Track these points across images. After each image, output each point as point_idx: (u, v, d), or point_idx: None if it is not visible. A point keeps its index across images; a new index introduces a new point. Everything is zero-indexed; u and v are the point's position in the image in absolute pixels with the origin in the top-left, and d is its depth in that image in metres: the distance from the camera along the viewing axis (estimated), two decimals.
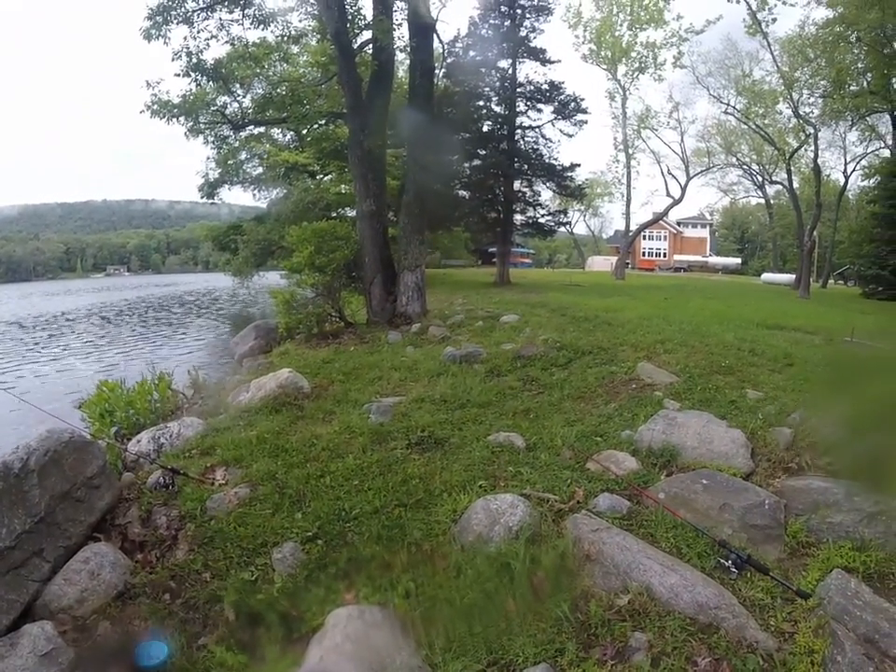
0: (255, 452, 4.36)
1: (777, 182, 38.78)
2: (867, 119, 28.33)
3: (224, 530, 3.36)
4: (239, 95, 13.99)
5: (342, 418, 5.09)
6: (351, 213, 19.24)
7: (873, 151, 32.33)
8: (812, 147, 27.18)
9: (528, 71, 24.52)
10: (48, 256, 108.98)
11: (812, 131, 26.53)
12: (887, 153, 29.12)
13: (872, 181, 29.93)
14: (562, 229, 30.02)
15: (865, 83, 25.33)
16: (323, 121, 19.60)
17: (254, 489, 3.78)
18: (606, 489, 3.51)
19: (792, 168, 30.98)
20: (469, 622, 2.50)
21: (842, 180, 36.34)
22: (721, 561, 2.75)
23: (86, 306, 30.69)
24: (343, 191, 22.68)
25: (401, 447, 4.36)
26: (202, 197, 26.30)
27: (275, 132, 24.82)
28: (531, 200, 22.74)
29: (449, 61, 21.39)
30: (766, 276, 38.70)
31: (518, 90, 21.31)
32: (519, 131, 21.85)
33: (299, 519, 3.43)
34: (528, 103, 21.65)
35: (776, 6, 23.32)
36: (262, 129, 22.49)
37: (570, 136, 22.40)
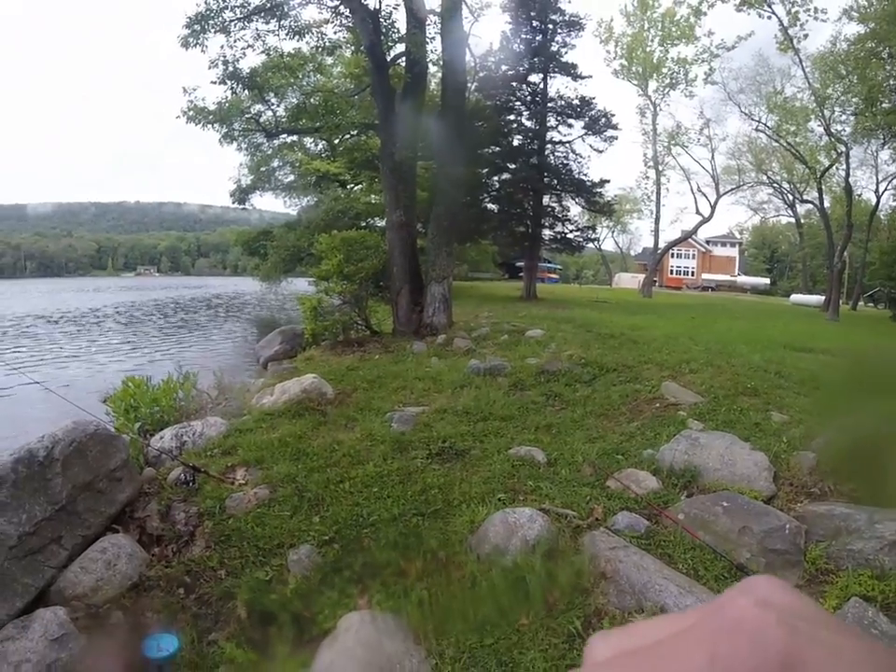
0: (276, 454, 4.41)
1: (807, 201, 37.99)
2: None
3: (241, 529, 3.41)
4: (273, 104, 14.31)
5: (364, 425, 5.14)
6: (380, 223, 19.39)
7: None
8: (844, 166, 26.53)
9: (559, 86, 24.69)
10: (80, 253, 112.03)
11: (844, 149, 25.93)
12: None
13: None
14: (590, 245, 29.86)
15: None
16: (355, 132, 19.92)
17: (273, 490, 3.83)
18: (625, 507, 3.48)
19: (823, 187, 30.34)
20: (481, 633, 2.49)
21: (873, 200, 35.43)
22: None
23: (115, 304, 31.42)
24: (374, 201, 22.93)
25: (422, 457, 4.39)
26: (233, 202, 26.91)
27: (308, 141, 25.24)
28: (560, 215, 22.68)
29: (481, 74, 21.55)
30: (795, 297, 37.91)
31: (549, 104, 21.34)
32: (549, 145, 21.85)
33: (316, 522, 3.47)
34: (559, 117, 21.66)
35: (807, 21, 23.01)
36: (295, 137, 22.95)
37: (600, 152, 22.35)
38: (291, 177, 26.48)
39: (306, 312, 9.95)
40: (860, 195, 34.65)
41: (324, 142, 25.09)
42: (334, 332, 9.73)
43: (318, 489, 3.84)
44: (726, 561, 2.85)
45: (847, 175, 26.35)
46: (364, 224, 19.85)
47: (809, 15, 22.87)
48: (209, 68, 11.33)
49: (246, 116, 14.05)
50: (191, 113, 12.26)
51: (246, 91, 12.77)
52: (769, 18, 23.53)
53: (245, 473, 4.17)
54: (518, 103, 21.87)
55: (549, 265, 49.46)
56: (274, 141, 19.52)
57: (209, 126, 12.69)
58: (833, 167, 28.42)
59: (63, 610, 2.74)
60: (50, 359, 13.41)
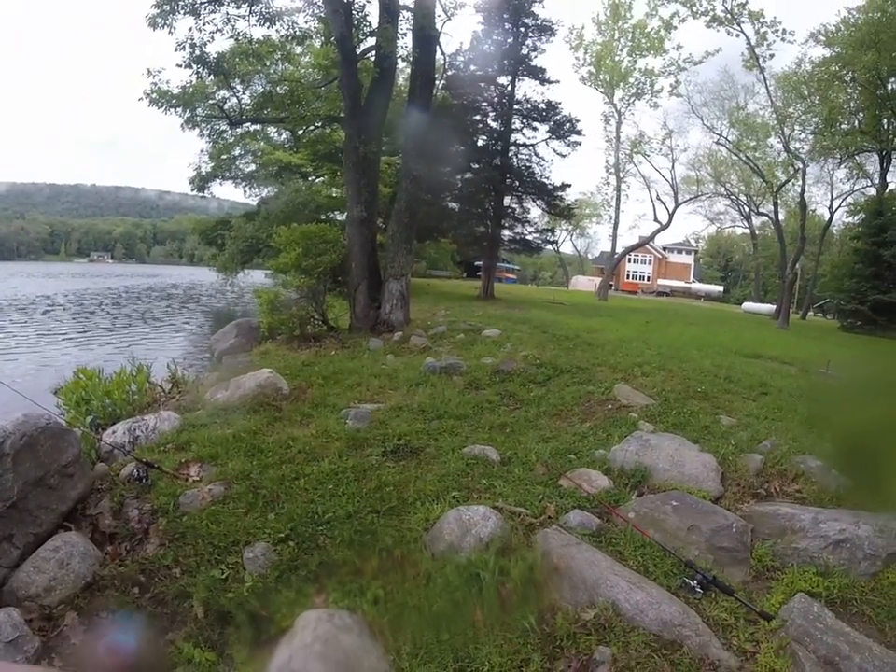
0: (230, 450, 4.34)
1: (763, 214, 39.69)
2: (856, 157, 29.13)
3: (196, 527, 3.35)
4: (239, 91, 14.03)
5: (319, 422, 5.10)
6: (341, 217, 19.22)
7: (859, 189, 33.25)
8: (800, 182, 27.87)
9: (527, 89, 24.92)
10: (32, 236, 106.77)
11: (801, 166, 27.21)
12: (873, 191, 29.85)
13: (856, 218, 30.64)
14: (548, 247, 30.38)
15: (857, 122, 26.13)
16: (320, 124, 19.65)
17: (228, 487, 3.77)
18: (577, 506, 3.56)
19: (779, 201, 31.73)
20: (437, 629, 2.53)
21: (827, 215, 37.32)
22: (687, 581, 2.81)
23: (67, 292, 30.12)
24: (335, 195, 22.72)
25: (377, 454, 4.39)
26: (192, 189, 26.15)
27: (272, 130, 24.83)
28: (520, 216, 22.93)
29: (450, 73, 21.56)
30: (747, 305, 39.50)
31: (515, 107, 21.52)
32: (513, 147, 22.05)
33: (272, 520, 3.43)
34: (524, 120, 21.87)
35: (774, 42, 24.06)
36: (259, 126, 22.51)
37: (563, 156, 22.68)
38: (253, 167, 25.96)
39: (263, 305, 9.82)
40: (814, 210, 36.59)
41: (288, 132, 24.71)
42: (291, 327, 9.61)
43: (273, 486, 3.79)
44: (675, 558, 2.96)
45: (803, 190, 27.78)
46: (324, 217, 19.64)
47: (777, 36, 24.02)
48: (175, 50, 10.99)
49: (211, 102, 13.75)
50: (154, 96, 11.91)
51: (212, 77, 12.46)
52: (737, 36, 24.54)
53: (199, 469, 4.08)
54: (485, 103, 21.99)
55: (507, 265, 49.98)
56: (238, 129, 19.12)
57: (172, 110, 12.35)
58: (790, 182, 29.83)
59: (16, 612, 2.65)
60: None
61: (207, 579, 2.97)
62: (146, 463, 3.87)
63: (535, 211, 24.97)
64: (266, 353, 8.78)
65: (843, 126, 25.77)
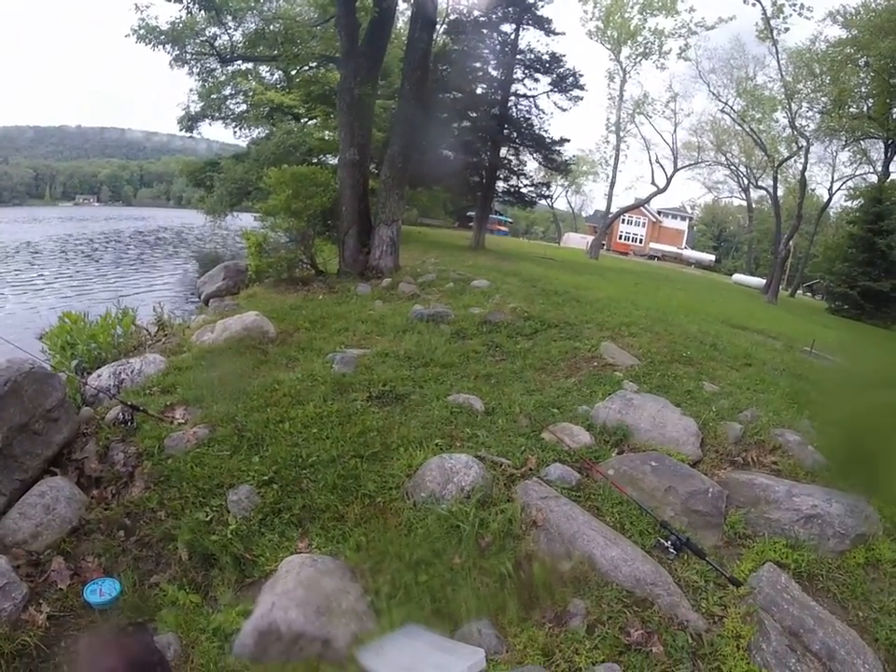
0: (216, 393, 4.32)
1: (761, 187, 39.25)
2: (861, 142, 28.70)
3: (181, 469, 3.37)
4: (230, 28, 13.35)
5: (305, 366, 5.09)
6: (333, 160, 18.69)
7: (861, 174, 32.84)
8: (802, 160, 27.38)
9: (531, 39, 24.25)
10: (15, 181, 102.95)
11: (805, 143, 26.73)
12: (874, 179, 29.51)
13: (855, 203, 30.36)
14: (543, 201, 29.95)
15: (866, 107, 25.56)
16: (314, 64, 18.91)
17: (213, 430, 3.78)
18: (558, 459, 3.61)
19: (779, 176, 31.32)
20: (416, 572, 2.60)
21: (826, 196, 36.98)
22: (661, 541, 2.89)
23: (53, 237, 29.24)
24: (327, 138, 21.99)
25: (362, 399, 4.39)
26: (180, 129, 25.14)
27: (263, 69, 23.74)
28: (516, 168, 22.50)
29: (452, 17, 20.73)
30: (737, 277, 39.53)
31: (518, 56, 20.79)
32: (513, 98, 21.43)
33: (256, 462, 3.45)
34: (526, 71, 21.19)
35: (790, 15, 23.16)
36: (250, 65, 21.56)
37: (564, 110, 22.13)
38: (243, 107, 24.93)
39: (251, 248, 9.68)
40: (813, 189, 36.25)
41: (280, 72, 23.71)
42: (279, 270, 9.52)
43: (258, 429, 3.80)
44: (651, 517, 3.02)
45: (804, 168, 27.32)
46: (316, 160, 19.09)
47: (794, 10, 23.09)
48: None
49: (201, 38, 13.09)
50: (142, 32, 11.34)
51: (203, 12, 11.83)
52: (753, 5, 23.56)
53: (185, 412, 4.08)
54: (486, 51, 21.25)
55: (499, 217, 49.42)
56: (228, 67, 18.28)
57: (160, 47, 11.78)
58: (792, 159, 29.39)
59: (3, 559, 2.67)
60: None
61: (192, 521, 3.00)
62: (131, 406, 3.86)
63: (531, 164, 24.54)
64: (253, 296, 8.71)
65: (851, 109, 25.22)
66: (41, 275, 15.89)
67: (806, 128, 26.84)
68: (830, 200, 36.43)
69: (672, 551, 2.84)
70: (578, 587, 2.58)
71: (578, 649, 2.28)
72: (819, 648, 2.34)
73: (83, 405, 4.27)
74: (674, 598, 2.53)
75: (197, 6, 10.99)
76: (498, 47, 21.06)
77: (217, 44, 13.26)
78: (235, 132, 26.22)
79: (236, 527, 2.96)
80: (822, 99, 25.50)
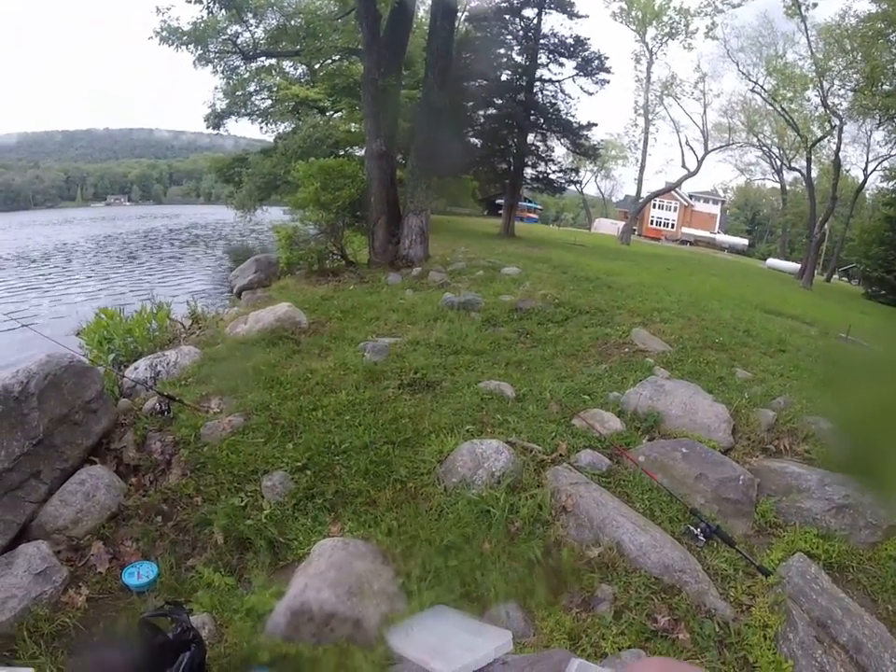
0: (250, 383, 4.42)
1: (795, 169, 37.79)
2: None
3: (216, 457, 3.45)
4: (252, 25, 13.51)
5: (337, 355, 5.16)
6: (360, 152, 18.73)
7: None
8: (835, 140, 26.34)
9: (554, 23, 23.73)
10: (47, 184, 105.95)
11: (838, 123, 25.71)
12: None
13: (891, 184, 29.10)
14: (572, 187, 29.61)
15: None
16: (337, 57, 18.95)
17: (247, 418, 3.87)
18: (588, 446, 3.60)
19: (813, 157, 30.19)
20: (446, 556, 2.63)
21: (861, 178, 35.38)
22: (691, 528, 2.86)
23: (86, 237, 29.99)
24: (353, 130, 22.06)
25: (394, 387, 4.44)
26: (207, 127, 25.54)
27: (287, 65, 23.95)
28: (544, 154, 22.28)
29: (473, 3, 20.55)
30: (771, 262, 38.47)
31: (541, 41, 20.51)
32: (538, 83, 21.18)
33: (289, 449, 3.52)
34: (551, 56, 20.89)
35: None
36: (274, 61, 21.76)
37: (590, 94, 21.85)
38: (268, 102, 25.17)
39: (281, 240, 9.80)
40: (848, 171, 34.75)
41: (304, 66, 23.84)
42: (309, 262, 9.65)
43: (291, 417, 3.87)
44: (681, 504, 3.00)
45: (838, 149, 26.28)
46: (343, 153, 19.20)
47: None
48: None
49: (223, 37, 13.25)
50: (164, 34, 11.55)
51: (223, 11, 11.99)
52: None
53: (220, 402, 4.18)
54: (509, 37, 20.98)
55: (529, 204, 48.90)
56: (252, 64, 18.49)
57: (183, 48, 11.98)
58: (825, 139, 28.29)
59: (45, 544, 2.78)
60: (21, 296, 12.91)
61: (227, 507, 3.08)
62: (167, 396, 3.97)
63: (559, 150, 24.42)
64: (285, 287, 8.83)
65: (885, 86, 24.15)
66: (77, 275, 16.33)
67: (839, 106, 25.79)
68: (865, 181, 34.83)
69: (701, 538, 2.81)
70: (606, 573, 2.58)
71: (604, 634, 2.28)
72: (847, 640, 2.28)
73: (121, 397, 4.39)
74: (702, 586, 2.51)
75: (217, 5, 11.16)
76: (521, 32, 20.80)
77: (239, 41, 13.44)
78: (262, 127, 26.54)
79: (270, 512, 3.03)
80: (854, 76, 24.40)
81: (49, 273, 16.59)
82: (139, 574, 2.73)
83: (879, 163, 32.51)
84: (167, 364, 4.94)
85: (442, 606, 2.22)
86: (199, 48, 12.57)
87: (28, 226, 39.79)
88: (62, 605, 2.57)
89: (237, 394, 4.26)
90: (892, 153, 30.78)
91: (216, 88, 23.97)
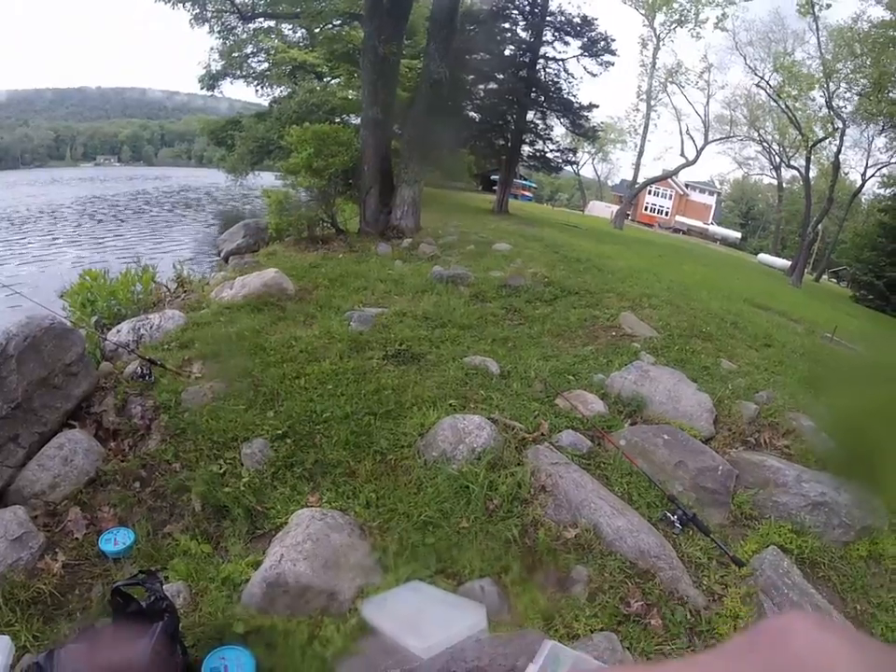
0: (233, 348, 4.37)
1: (793, 167, 37.70)
2: None
3: (197, 422, 3.41)
4: None
5: (322, 323, 5.11)
6: (355, 120, 18.39)
7: None
8: (837, 142, 26.38)
9: (562, 0, 23.13)
10: (36, 143, 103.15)
11: (841, 125, 25.70)
12: None
13: (888, 191, 29.24)
14: (568, 168, 29.42)
15: None
16: (338, 21, 18.48)
17: (229, 384, 3.82)
18: (570, 426, 3.60)
19: (812, 157, 30.16)
20: (424, 532, 2.63)
21: (859, 182, 35.52)
22: (668, 515, 2.89)
23: (73, 198, 29.23)
24: (351, 97, 21.66)
25: (378, 357, 4.40)
26: (202, 88, 25.02)
27: (286, 27, 23.36)
28: (542, 133, 22.11)
29: None
30: (763, 257, 38.70)
31: (548, 18, 20.15)
32: (541, 60, 20.86)
33: (270, 417, 3.48)
34: (556, 34, 20.54)
35: None
36: (272, 23, 21.20)
37: (594, 76, 21.50)
38: (265, 65, 24.61)
39: (271, 205, 9.67)
40: (846, 174, 34.80)
41: (303, 30, 23.26)
42: (299, 228, 9.52)
43: (274, 384, 3.83)
44: (659, 491, 3.02)
45: (839, 151, 26.37)
46: (339, 120, 18.84)
47: None
48: None
49: None
50: None
51: None
52: None
53: (202, 367, 4.12)
54: (515, 11, 20.57)
55: (524, 182, 48.43)
56: (250, 25, 18.03)
57: (180, 5, 11.60)
58: (826, 140, 28.23)
59: (22, 510, 2.72)
60: (3, 259, 12.54)
61: (206, 473, 3.05)
62: (149, 360, 3.91)
63: (558, 129, 24.02)
64: (273, 253, 8.74)
65: (891, 94, 24.11)
66: (62, 236, 15.89)
67: (843, 109, 25.75)
68: (863, 185, 34.97)
69: (678, 525, 2.84)
70: (582, 555, 2.59)
71: (577, 615, 2.29)
72: None
73: (102, 360, 4.33)
74: (676, 573, 2.53)
75: None
76: (528, 7, 20.40)
77: (237, 1, 13.01)
78: (257, 90, 26.04)
79: (249, 480, 3.00)
80: (861, 81, 24.37)
81: (33, 235, 16.18)
82: (116, 541, 2.70)
83: (878, 169, 32.64)
84: (150, 327, 4.86)
85: (418, 581, 2.23)
86: (196, 6, 12.19)
87: (13, 187, 38.68)
88: (38, 571, 2.53)
89: (220, 359, 4.20)
90: (892, 160, 30.93)
91: (212, 48, 23.44)
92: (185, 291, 6.98)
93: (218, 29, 16.85)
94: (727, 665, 0.25)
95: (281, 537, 2.58)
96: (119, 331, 4.90)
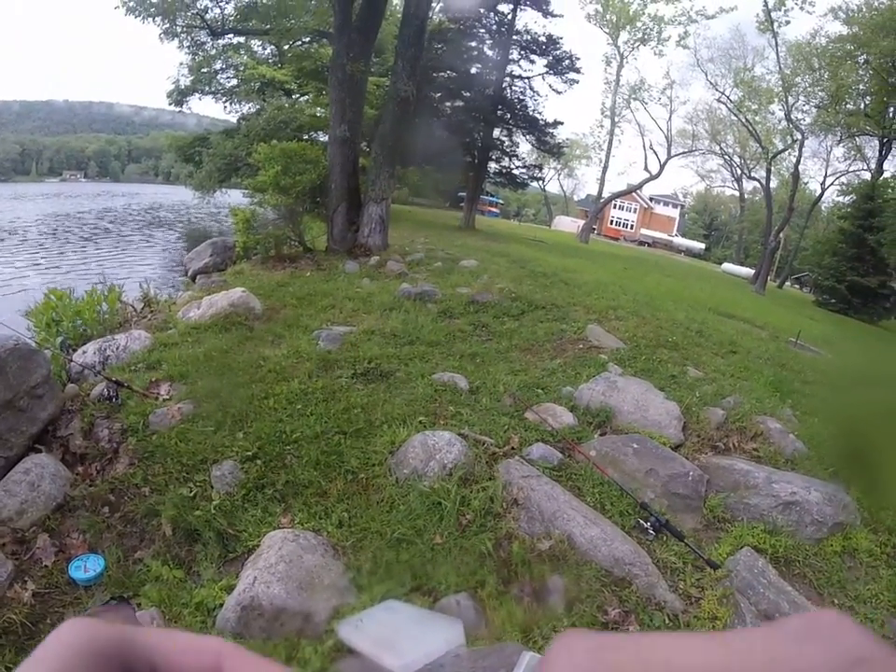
0: (201, 369, 4.32)
1: (754, 178, 39.23)
2: (856, 139, 28.68)
3: (165, 445, 3.36)
4: (222, 0, 13.09)
5: (290, 342, 5.10)
6: (323, 137, 18.41)
7: (854, 171, 32.73)
8: (796, 153, 27.42)
9: (528, 20, 23.80)
10: (1, 157, 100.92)
11: (800, 137, 26.75)
12: (867, 176, 29.49)
13: (847, 199, 30.35)
14: (534, 184, 29.89)
15: (862, 105, 25.55)
16: (307, 39, 18.56)
17: (197, 406, 3.77)
18: (541, 439, 3.64)
19: (773, 168, 31.36)
20: (397, 550, 2.62)
21: (818, 191, 36.99)
22: (641, 522, 2.93)
23: (39, 215, 28.47)
24: (319, 114, 21.68)
25: (347, 376, 4.40)
26: (170, 104, 24.76)
27: (255, 44, 23.36)
28: (508, 149, 22.37)
29: None
30: (726, 266, 39.71)
31: (514, 37, 20.53)
32: (508, 79, 21.19)
33: (240, 438, 3.45)
34: (522, 52, 20.92)
35: (793, 8, 23.25)
36: (242, 39, 21.19)
37: (559, 93, 21.95)
38: (234, 81, 24.49)
39: (239, 224, 9.56)
40: (806, 183, 36.24)
41: (273, 47, 23.28)
42: (266, 247, 9.45)
43: (242, 405, 3.79)
44: (631, 499, 3.06)
45: (798, 162, 27.35)
46: (307, 137, 18.83)
47: (796, 3, 23.27)
48: None
49: (191, 11, 12.80)
50: (132, 4, 11.07)
51: None
52: None
53: (170, 388, 4.06)
54: (482, 30, 20.92)
55: (491, 198, 49.00)
56: (219, 41, 17.96)
57: (150, 20, 11.52)
58: (786, 152, 29.42)
59: None
60: None
61: (176, 497, 3.00)
62: (116, 382, 3.83)
63: (524, 146, 24.41)
64: (240, 272, 8.65)
65: (848, 105, 25.25)
66: (27, 255, 15.46)
67: (802, 121, 26.89)
68: (822, 194, 36.54)
69: (651, 532, 2.88)
70: (557, 565, 2.61)
71: (555, 626, 2.31)
72: None
73: (68, 382, 4.23)
74: (652, 579, 2.57)
75: None
76: (495, 27, 20.77)
77: (207, 17, 13.03)
78: (226, 107, 25.88)
79: (219, 503, 2.96)
80: (819, 94, 25.52)
81: None
82: (86, 567, 2.64)
83: (837, 178, 34.12)
84: (117, 348, 4.76)
85: (393, 601, 2.21)
86: (166, 21, 12.12)
87: None
88: (7, 600, 2.46)
89: (187, 380, 4.15)
90: (850, 169, 32.32)
91: (181, 63, 23.18)
92: (151, 311, 6.85)
93: (188, 44, 16.76)
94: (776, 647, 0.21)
95: (254, 559, 2.54)
96: (84, 352, 4.78)
